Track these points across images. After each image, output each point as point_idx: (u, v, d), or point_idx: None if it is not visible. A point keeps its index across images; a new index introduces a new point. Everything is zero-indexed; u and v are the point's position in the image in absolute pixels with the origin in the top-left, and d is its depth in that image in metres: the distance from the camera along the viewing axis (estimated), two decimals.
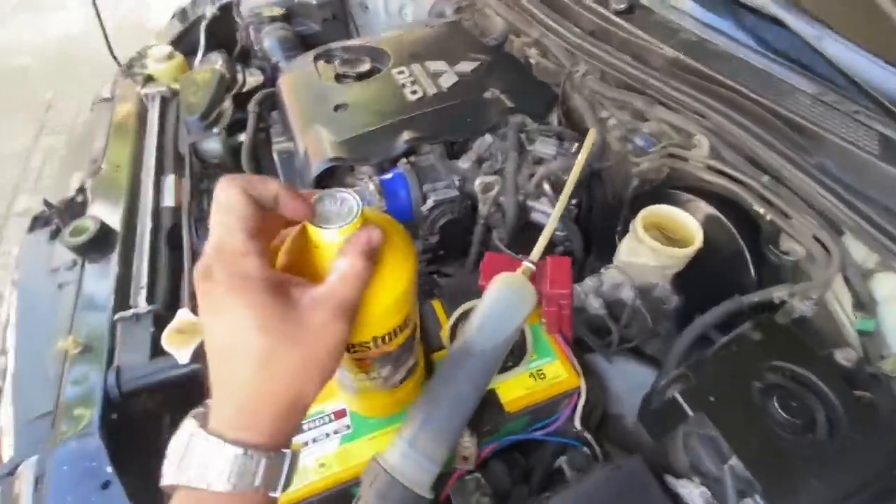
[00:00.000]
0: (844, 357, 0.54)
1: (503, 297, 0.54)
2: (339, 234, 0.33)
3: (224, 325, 0.30)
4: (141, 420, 0.73)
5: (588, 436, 0.65)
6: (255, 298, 0.29)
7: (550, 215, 0.89)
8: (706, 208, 0.79)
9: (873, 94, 0.65)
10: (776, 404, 0.49)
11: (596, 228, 1.00)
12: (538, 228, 0.95)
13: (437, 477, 0.48)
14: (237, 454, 0.30)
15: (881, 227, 0.59)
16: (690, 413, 0.48)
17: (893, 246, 0.58)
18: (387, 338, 0.41)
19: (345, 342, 0.33)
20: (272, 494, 0.32)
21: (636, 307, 0.78)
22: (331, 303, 0.32)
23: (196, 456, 0.30)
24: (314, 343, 0.31)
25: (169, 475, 0.31)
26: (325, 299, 0.32)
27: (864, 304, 0.63)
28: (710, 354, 0.54)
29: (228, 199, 0.31)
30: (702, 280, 0.77)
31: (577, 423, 0.64)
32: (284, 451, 0.32)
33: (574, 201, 0.92)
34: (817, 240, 0.64)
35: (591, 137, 0.69)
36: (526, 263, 0.59)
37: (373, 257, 0.34)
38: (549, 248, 1.00)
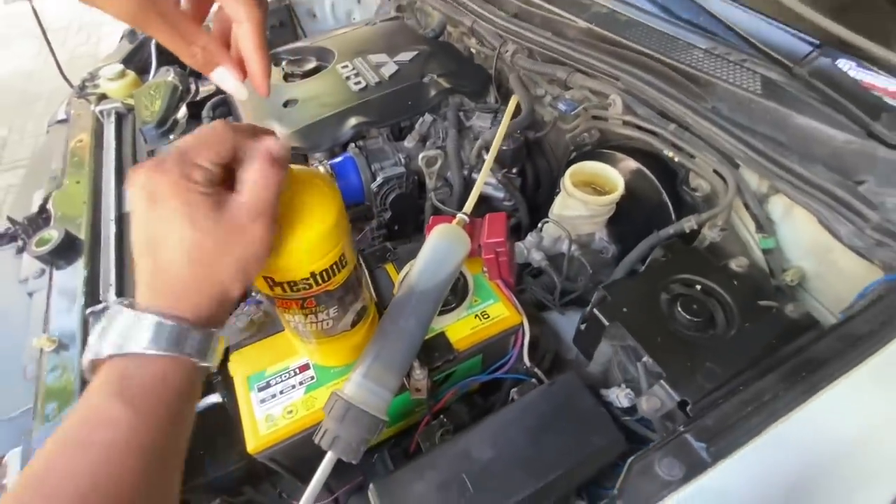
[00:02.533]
0: (737, 264, 0.61)
1: (440, 242, 0.61)
2: None
3: (160, 215, 0.33)
4: None
5: (537, 370, 0.71)
6: (193, 198, 0.33)
7: (493, 184, 0.98)
8: (632, 163, 0.87)
9: (755, 43, 0.74)
10: (679, 308, 0.56)
11: (544, 197, 1.08)
12: (486, 199, 1.02)
13: (390, 402, 0.53)
14: (163, 321, 0.33)
15: (768, 155, 0.68)
16: (606, 323, 0.55)
17: (778, 170, 0.66)
18: (325, 274, 0.46)
19: (264, 243, 0.36)
20: (202, 364, 0.35)
21: (576, 257, 0.86)
22: (246, 207, 0.35)
23: (121, 327, 0.33)
24: (237, 244, 0.35)
25: (91, 350, 0.33)
26: (241, 204, 0.35)
27: (763, 225, 0.71)
28: (625, 276, 0.61)
29: (212, 132, 0.35)
30: (633, 228, 0.85)
31: (526, 360, 0.71)
32: (213, 329, 0.36)
33: (515, 171, 0.99)
34: (717, 174, 0.73)
35: (513, 102, 0.76)
36: (460, 215, 0.65)
37: (277, 162, 0.37)
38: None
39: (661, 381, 0.50)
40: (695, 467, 0.43)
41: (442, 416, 0.68)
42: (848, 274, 0.65)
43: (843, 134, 0.63)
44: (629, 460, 0.45)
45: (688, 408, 0.49)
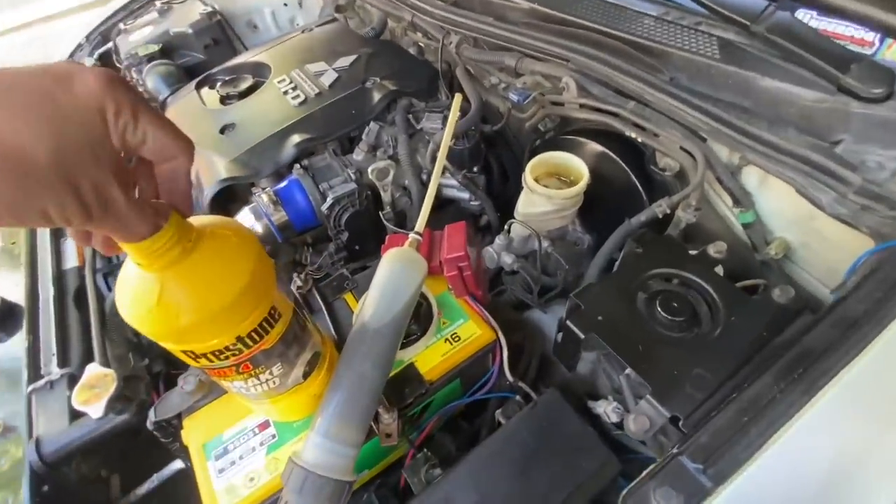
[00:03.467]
0: (716, 250, 0.57)
1: (392, 271, 0.55)
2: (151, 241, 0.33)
3: None
4: (82, 485, 0.71)
5: (522, 384, 0.66)
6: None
7: (456, 186, 0.92)
8: (595, 147, 0.82)
9: (707, 4, 0.69)
10: (659, 308, 0.51)
11: (515, 188, 1.02)
12: (452, 201, 0.97)
13: (355, 458, 0.48)
14: None
15: (734, 125, 0.63)
16: (581, 336, 0.50)
17: (746, 140, 0.61)
18: (255, 335, 0.41)
19: None
20: None
21: (550, 254, 0.80)
22: None
23: None
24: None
25: None
26: None
27: (739, 199, 0.66)
28: (598, 280, 0.56)
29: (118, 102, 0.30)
30: (606, 214, 0.80)
31: (508, 375, 0.66)
32: None
33: (476, 169, 0.93)
34: (684, 150, 0.68)
35: (457, 101, 0.70)
36: (412, 235, 0.59)
37: None
38: (474, 220, 1.03)
39: (648, 396, 0.45)
40: (694, 495, 0.39)
41: (426, 450, 0.63)
42: (835, 241, 0.60)
43: (811, 92, 0.58)
44: (622, 494, 0.40)
45: (680, 423, 0.44)
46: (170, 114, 1.05)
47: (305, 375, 0.51)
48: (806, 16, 0.68)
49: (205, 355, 0.40)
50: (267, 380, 0.46)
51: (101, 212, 0.29)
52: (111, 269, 0.94)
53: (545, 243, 0.79)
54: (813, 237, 0.63)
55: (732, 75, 0.64)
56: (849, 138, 0.56)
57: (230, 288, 0.37)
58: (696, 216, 0.67)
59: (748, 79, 0.63)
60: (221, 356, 0.41)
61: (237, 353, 0.41)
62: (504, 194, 1.01)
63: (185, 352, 0.39)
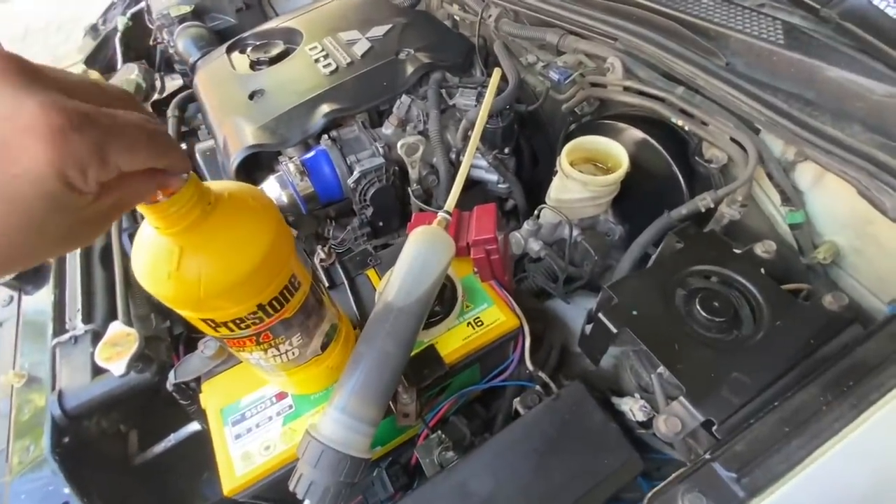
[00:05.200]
0: (764, 250, 0.53)
1: (419, 250, 0.53)
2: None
3: None
4: (101, 439, 0.72)
5: (542, 374, 0.64)
6: None
7: (485, 167, 0.89)
8: (636, 133, 0.78)
9: None
10: (698, 307, 0.48)
11: (544, 173, 0.99)
12: (479, 183, 0.94)
13: (373, 435, 0.47)
14: None
15: (793, 117, 0.58)
16: (614, 330, 0.48)
17: (806, 134, 0.57)
18: (275, 303, 0.40)
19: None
20: None
21: (578, 243, 0.78)
22: None
23: None
24: None
25: None
26: None
27: (790, 197, 0.62)
28: (634, 272, 0.54)
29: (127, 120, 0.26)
30: (642, 205, 0.76)
31: (529, 364, 0.64)
32: None
33: (507, 150, 0.90)
34: (735, 141, 0.63)
35: (496, 75, 0.67)
36: (441, 214, 0.57)
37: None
38: (500, 203, 1.00)
39: (681, 398, 0.43)
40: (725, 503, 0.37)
41: (439, 432, 0.62)
42: (892, 249, 0.56)
43: (882, 86, 0.54)
44: (647, 496, 0.39)
45: (713, 428, 0.42)
46: (200, 78, 1.03)
47: (324, 347, 0.50)
48: (882, 2, 0.62)
49: (225, 324, 0.39)
50: (287, 350, 0.45)
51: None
52: (136, 228, 0.95)
53: (576, 231, 0.76)
54: (867, 243, 0.59)
55: (796, 63, 0.60)
56: None
57: (252, 253, 0.36)
58: (742, 213, 0.64)
59: (813, 68, 0.58)
60: (242, 325, 0.40)
61: (258, 321, 0.40)
62: (533, 179, 0.98)
63: (204, 320, 0.39)
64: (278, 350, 0.45)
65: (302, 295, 0.42)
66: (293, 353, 0.46)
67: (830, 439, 0.38)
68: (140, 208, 0.32)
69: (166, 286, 0.35)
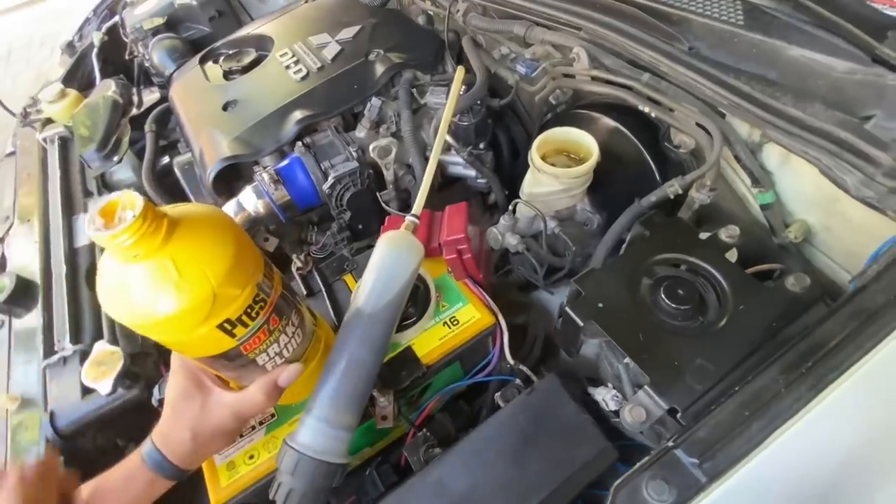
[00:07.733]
0: (728, 235, 0.54)
1: (387, 255, 0.54)
2: (108, 238, 0.34)
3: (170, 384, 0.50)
4: (99, 455, 0.74)
5: (523, 367, 0.65)
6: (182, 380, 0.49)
7: (461, 164, 0.89)
8: (608, 122, 0.78)
9: None
10: (663, 295, 0.49)
11: (524, 166, 0.98)
12: (460, 181, 0.94)
13: (349, 441, 0.48)
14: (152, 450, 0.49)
15: (755, 99, 0.58)
16: (580, 323, 0.49)
17: (768, 116, 0.57)
18: (267, 279, 0.43)
19: (224, 434, 0.49)
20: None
21: (557, 234, 0.78)
22: (227, 408, 0.48)
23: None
24: (202, 421, 0.48)
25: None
26: (225, 402, 0.48)
27: (759, 178, 0.62)
28: (602, 265, 0.54)
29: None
30: (618, 193, 0.77)
31: (509, 358, 0.65)
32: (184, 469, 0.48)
33: (483, 146, 0.90)
34: (701, 126, 0.63)
35: (459, 75, 0.67)
36: (409, 218, 0.58)
37: (275, 397, 0.48)
38: (483, 198, 1.00)
39: (646, 387, 0.44)
40: (687, 489, 0.38)
41: (425, 430, 0.63)
42: (860, 224, 0.56)
43: (843, 62, 0.53)
44: (613, 486, 0.40)
45: (678, 415, 0.43)
46: (175, 90, 1.04)
47: (299, 355, 0.51)
48: None
49: (240, 320, 0.42)
50: (286, 343, 0.47)
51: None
52: None
53: (553, 223, 0.77)
54: (836, 220, 0.59)
55: (757, 44, 0.59)
56: (881, 114, 0.51)
57: (229, 235, 0.39)
58: (711, 197, 0.64)
59: (774, 48, 0.58)
60: (253, 312, 0.42)
61: (262, 302, 0.43)
62: (514, 171, 0.98)
63: (221, 326, 0.40)
64: (287, 335, 0.47)
65: (277, 273, 0.46)
66: (293, 344, 0.48)
67: (789, 420, 0.38)
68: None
69: (178, 299, 0.36)
